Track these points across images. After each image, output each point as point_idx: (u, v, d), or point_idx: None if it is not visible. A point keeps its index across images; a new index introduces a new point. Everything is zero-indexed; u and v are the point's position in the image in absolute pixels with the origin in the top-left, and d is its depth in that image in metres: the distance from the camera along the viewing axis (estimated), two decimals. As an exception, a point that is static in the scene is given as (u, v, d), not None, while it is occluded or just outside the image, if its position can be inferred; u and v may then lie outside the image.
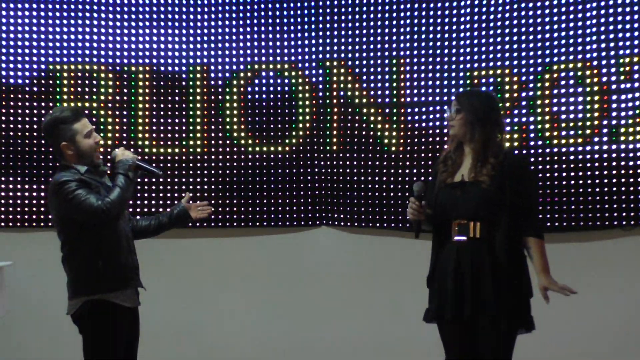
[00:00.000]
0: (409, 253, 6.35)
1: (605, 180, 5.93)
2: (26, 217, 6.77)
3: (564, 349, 6.08)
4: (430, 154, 6.35)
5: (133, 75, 6.79)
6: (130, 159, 4.26)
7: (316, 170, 6.64)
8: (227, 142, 6.73)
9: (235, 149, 6.73)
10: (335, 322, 6.59)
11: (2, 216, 6.77)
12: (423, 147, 6.42)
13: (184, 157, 6.75)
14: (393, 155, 6.48)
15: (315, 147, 6.66)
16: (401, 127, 6.49)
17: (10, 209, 6.77)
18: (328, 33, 6.68)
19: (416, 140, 6.45)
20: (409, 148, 6.46)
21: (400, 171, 6.45)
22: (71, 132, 4.19)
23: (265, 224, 6.72)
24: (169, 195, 6.73)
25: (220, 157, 6.73)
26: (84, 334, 4.20)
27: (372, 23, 6.61)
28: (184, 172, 6.74)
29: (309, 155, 6.66)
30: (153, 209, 6.66)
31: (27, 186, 6.76)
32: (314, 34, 6.70)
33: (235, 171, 6.72)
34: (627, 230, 5.95)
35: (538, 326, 4.07)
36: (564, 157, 6.04)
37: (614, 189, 5.91)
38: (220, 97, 6.76)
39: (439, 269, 4.11)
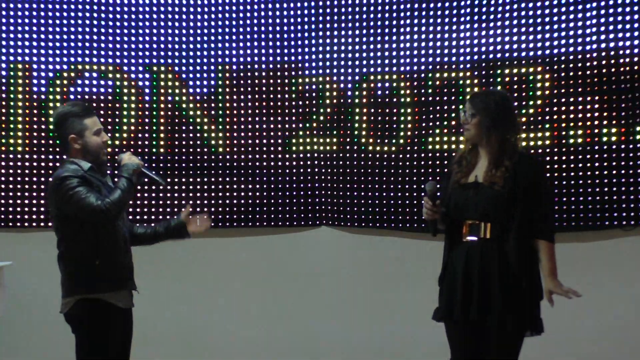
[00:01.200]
0: (409, 253, 6.37)
1: (605, 180, 5.93)
2: (26, 217, 6.76)
3: (563, 349, 6.07)
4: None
5: None
6: (135, 164, 4.28)
7: (316, 170, 6.64)
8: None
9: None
10: (335, 322, 6.58)
11: (2, 216, 6.77)
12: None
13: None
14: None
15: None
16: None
17: (10, 209, 6.76)
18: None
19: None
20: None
21: (400, 171, 6.45)
22: (81, 126, 4.22)
23: (265, 224, 6.71)
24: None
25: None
26: (77, 333, 4.20)
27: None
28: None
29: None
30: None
31: (27, 186, 6.76)
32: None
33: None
34: (627, 230, 5.95)
35: (538, 327, 4.08)
36: (564, 157, 6.04)
37: (614, 189, 5.91)
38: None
39: (449, 268, 4.13)
